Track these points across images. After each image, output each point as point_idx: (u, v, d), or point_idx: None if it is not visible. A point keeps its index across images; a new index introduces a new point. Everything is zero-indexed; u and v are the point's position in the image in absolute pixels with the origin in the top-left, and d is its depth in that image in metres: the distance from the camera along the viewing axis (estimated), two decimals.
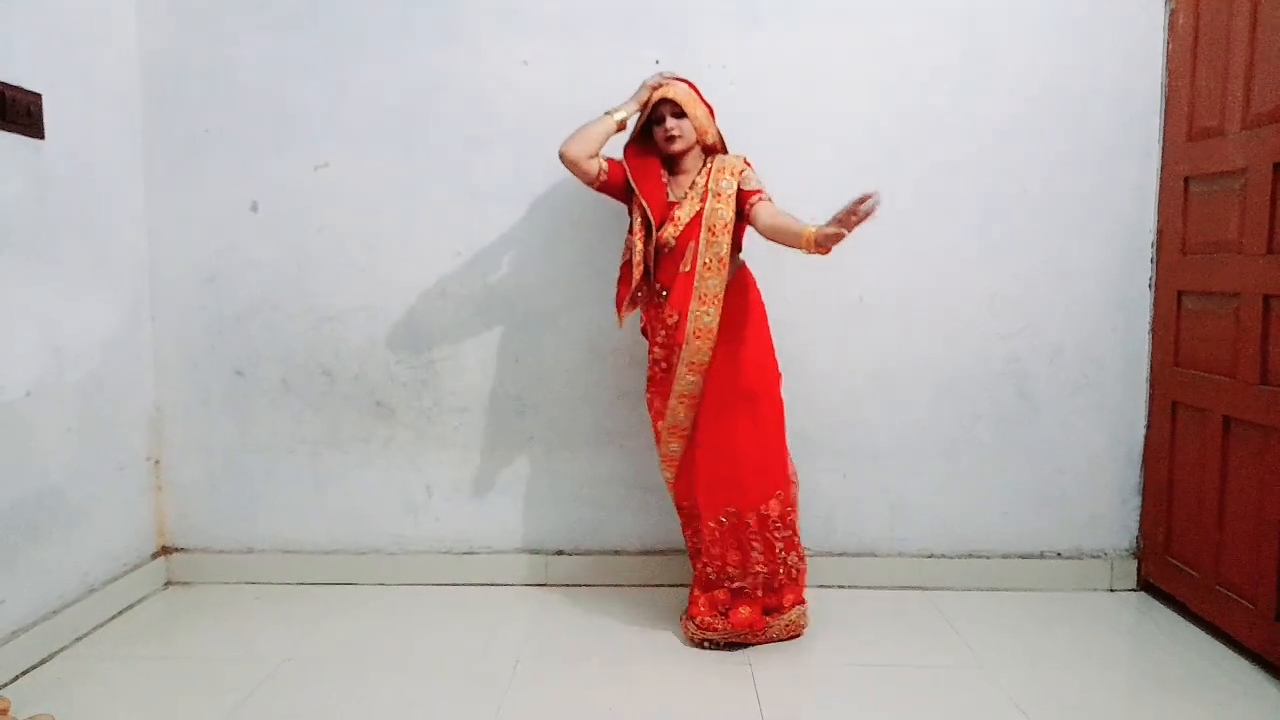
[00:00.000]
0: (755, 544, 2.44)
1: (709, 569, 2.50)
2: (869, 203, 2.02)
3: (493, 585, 2.94)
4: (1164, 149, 2.80)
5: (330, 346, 2.93)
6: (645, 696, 2.23)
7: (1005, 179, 2.84)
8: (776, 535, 2.46)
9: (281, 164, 2.88)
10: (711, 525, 2.45)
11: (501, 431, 2.95)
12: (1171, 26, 2.76)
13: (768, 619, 2.48)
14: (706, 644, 2.47)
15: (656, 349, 2.51)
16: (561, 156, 2.42)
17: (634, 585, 2.91)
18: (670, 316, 2.43)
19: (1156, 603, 2.81)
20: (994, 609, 2.76)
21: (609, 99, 2.65)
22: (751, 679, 2.31)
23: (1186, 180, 2.70)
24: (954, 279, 2.87)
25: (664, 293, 2.46)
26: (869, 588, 2.91)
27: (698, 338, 2.38)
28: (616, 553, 2.96)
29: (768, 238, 2.34)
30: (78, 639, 2.52)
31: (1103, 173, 2.84)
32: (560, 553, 2.96)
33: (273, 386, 2.94)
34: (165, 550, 2.97)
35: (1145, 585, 2.90)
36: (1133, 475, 2.92)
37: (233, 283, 2.91)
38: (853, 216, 2.05)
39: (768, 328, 2.51)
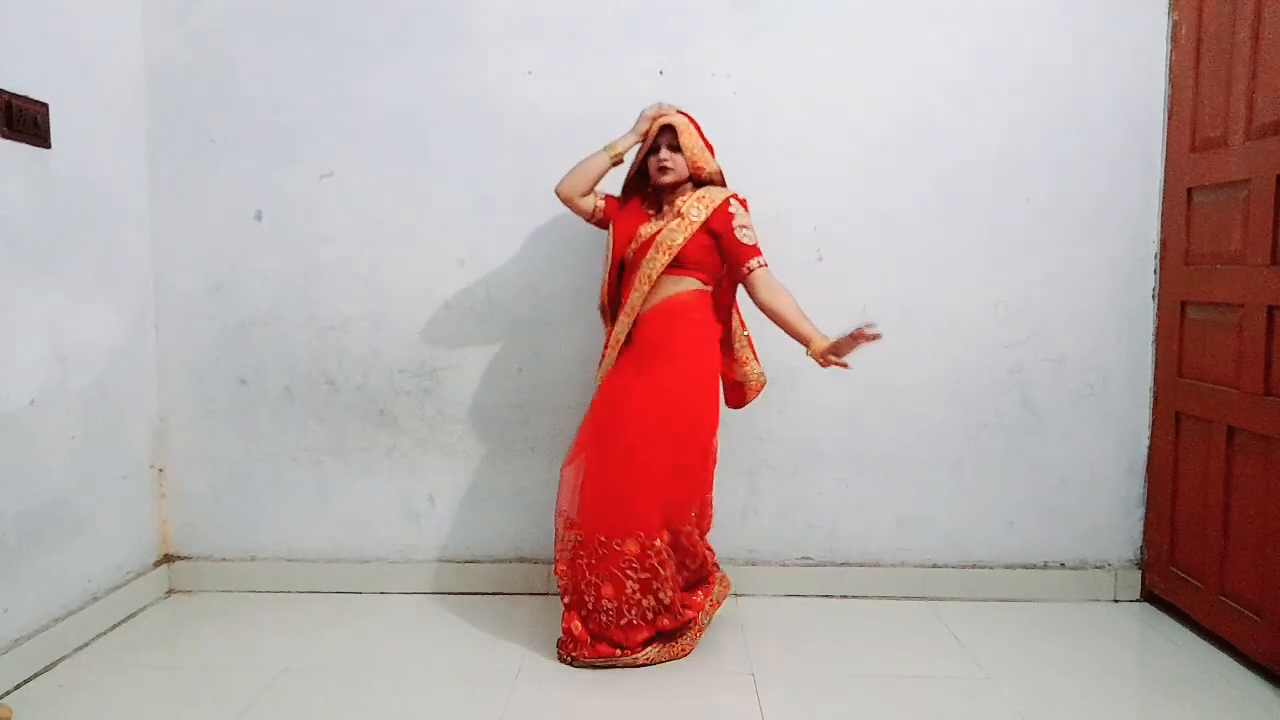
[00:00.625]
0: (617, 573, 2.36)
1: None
2: (870, 329, 2.13)
3: (495, 594, 2.93)
4: (1167, 160, 2.81)
5: (334, 356, 2.93)
6: (646, 705, 2.22)
7: (1008, 189, 2.85)
8: (631, 574, 2.36)
9: (286, 174, 2.89)
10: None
11: (504, 441, 2.95)
12: (1174, 37, 2.77)
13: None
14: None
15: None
16: (557, 194, 2.48)
17: None
18: (607, 328, 2.52)
19: (1160, 614, 2.81)
20: (998, 619, 2.75)
21: (612, 109, 2.68)
22: (754, 687, 2.30)
23: (1190, 191, 2.70)
24: (957, 288, 2.87)
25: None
26: (873, 598, 2.91)
27: (610, 348, 2.43)
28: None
29: (764, 313, 2.37)
30: (80, 647, 2.52)
31: (1106, 183, 2.84)
32: None
33: (276, 395, 2.94)
34: (168, 558, 2.97)
35: (1149, 596, 2.89)
36: (1136, 486, 2.91)
37: (237, 292, 2.92)
38: (855, 342, 2.17)
39: (702, 375, 2.43)
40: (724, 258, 2.42)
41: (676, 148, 2.39)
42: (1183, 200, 2.73)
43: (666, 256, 2.35)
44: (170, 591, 2.95)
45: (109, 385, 2.70)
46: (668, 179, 2.40)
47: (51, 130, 2.45)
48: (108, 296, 2.71)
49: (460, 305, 2.92)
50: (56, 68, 2.47)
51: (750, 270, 2.37)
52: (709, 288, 2.47)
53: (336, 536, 2.98)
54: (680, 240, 2.35)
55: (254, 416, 2.95)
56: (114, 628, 2.66)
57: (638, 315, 2.42)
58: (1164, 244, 2.82)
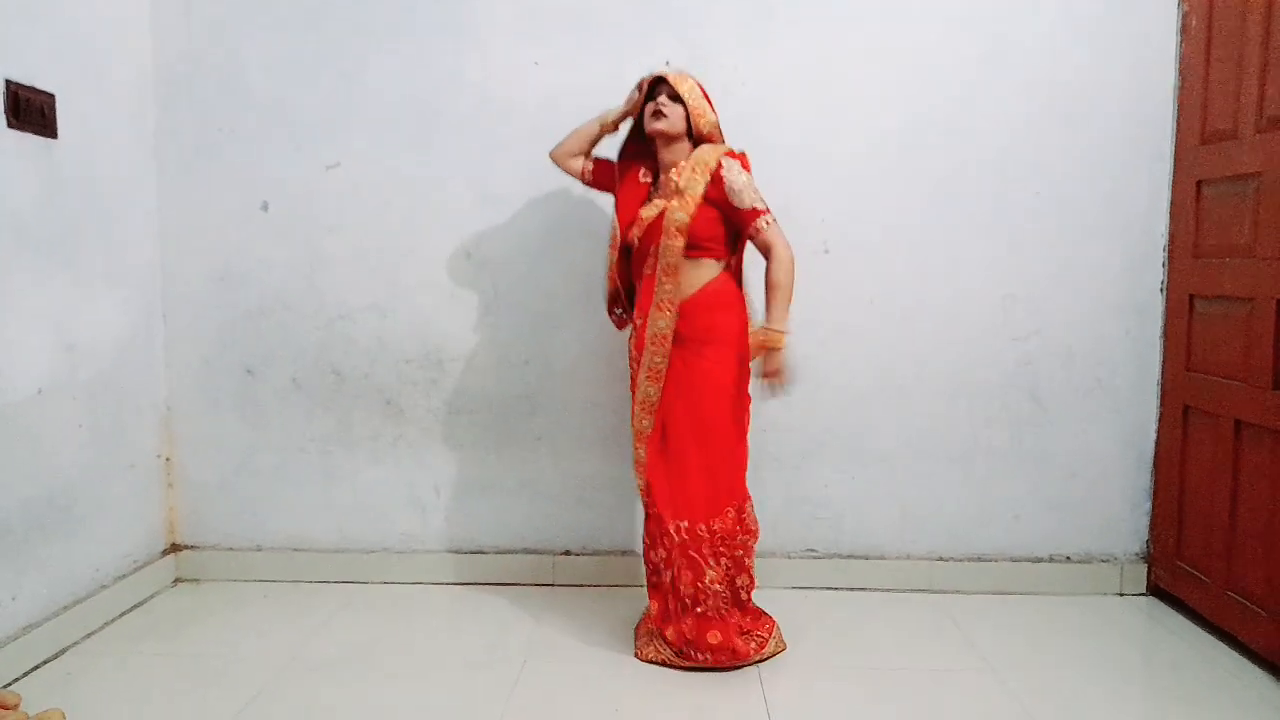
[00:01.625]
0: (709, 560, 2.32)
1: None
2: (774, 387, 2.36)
3: (500, 585, 2.94)
4: (1176, 152, 2.79)
5: (340, 346, 2.94)
6: (652, 698, 2.23)
7: (1016, 181, 2.84)
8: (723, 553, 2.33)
9: (293, 164, 2.89)
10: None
11: (510, 431, 2.95)
12: (1184, 29, 2.75)
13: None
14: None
15: (631, 351, 2.46)
16: (550, 157, 2.54)
17: (640, 586, 2.90)
18: (637, 319, 2.41)
19: (1166, 608, 2.80)
20: (1003, 613, 2.75)
21: (620, 100, 2.67)
22: (759, 680, 2.30)
23: (1199, 184, 2.68)
24: (965, 282, 2.87)
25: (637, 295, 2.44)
26: (878, 590, 2.91)
27: (653, 344, 2.33)
28: (624, 553, 2.96)
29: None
30: (87, 635, 2.53)
31: (1115, 176, 2.83)
32: (567, 553, 2.97)
33: (283, 385, 2.95)
34: (175, 548, 2.99)
35: (1155, 590, 2.89)
36: (1144, 479, 2.90)
37: (244, 282, 2.92)
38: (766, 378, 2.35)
39: (739, 350, 2.36)
40: (732, 224, 2.36)
41: (675, 97, 2.33)
42: (1192, 193, 2.71)
43: (680, 240, 2.28)
44: (177, 580, 2.97)
45: (116, 375, 2.70)
46: (660, 125, 2.32)
47: (58, 120, 2.45)
48: (115, 286, 2.71)
49: (467, 296, 2.92)
50: (64, 58, 2.48)
51: (758, 231, 2.31)
52: (726, 261, 2.42)
53: (343, 526, 2.99)
54: (686, 218, 2.28)
55: (261, 406, 2.96)
56: (121, 616, 2.68)
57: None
58: (1172, 237, 2.81)
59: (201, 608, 2.77)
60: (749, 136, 2.67)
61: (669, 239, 2.29)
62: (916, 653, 2.48)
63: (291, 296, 2.93)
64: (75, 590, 2.53)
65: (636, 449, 2.41)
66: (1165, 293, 2.84)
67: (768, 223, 2.31)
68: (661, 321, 2.33)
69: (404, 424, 2.96)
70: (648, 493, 2.39)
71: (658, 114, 2.32)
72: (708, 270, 2.36)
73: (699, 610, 2.30)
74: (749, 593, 2.39)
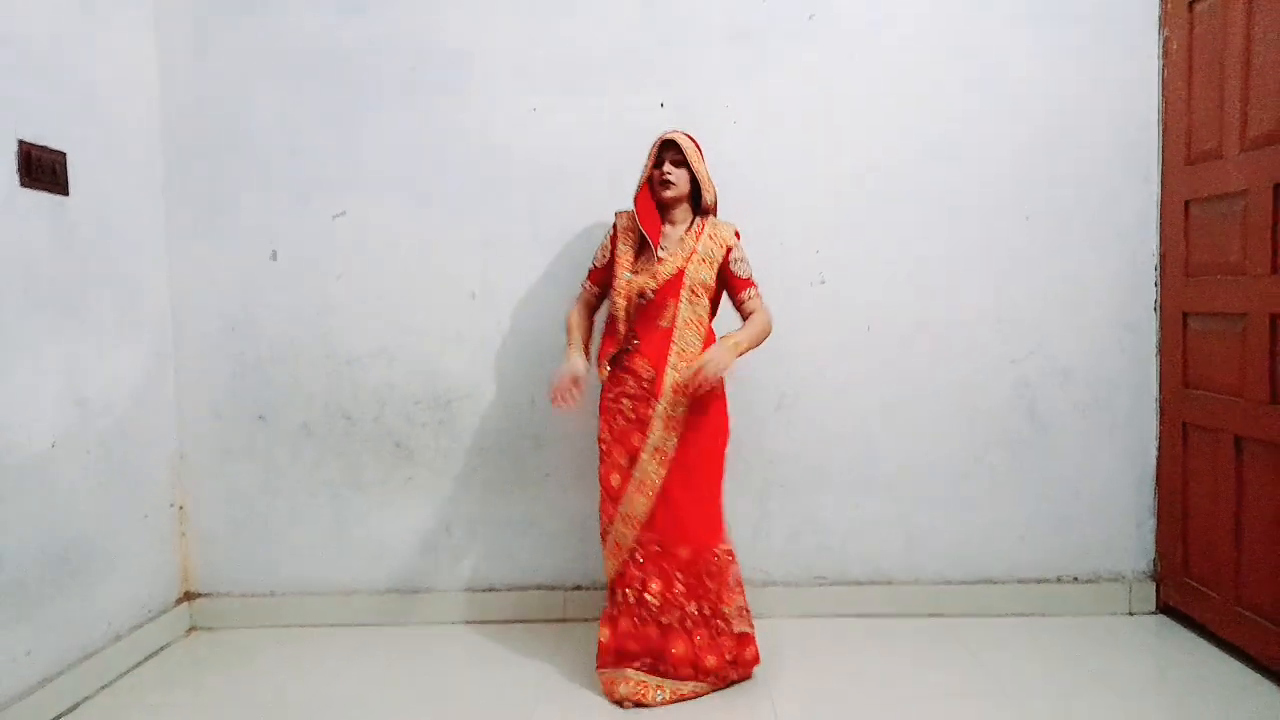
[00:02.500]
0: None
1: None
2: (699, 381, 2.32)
3: (513, 622, 2.95)
4: (1163, 173, 2.84)
5: (350, 390, 2.97)
6: None
7: (1007, 206, 2.89)
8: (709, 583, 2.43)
9: (300, 214, 2.94)
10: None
11: (518, 470, 2.98)
12: (1165, 52, 2.82)
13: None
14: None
15: (625, 400, 2.47)
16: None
17: None
18: (645, 370, 2.44)
19: (1177, 625, 2.81)
20: (1012, 635, 2.76)
21: (615, 141, 2.76)
22: (772, 707, 2.31)
23: (1187, 203, 2.73)
24: (960, 305, 2.91)
25: (635, 342, 2.47)
26: (885, 616, 2.92)
27: (676, 393, 2.40)
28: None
29: None
30: (103, 687, 2.54)
31: (1104, 197, 2.88)
32: (579, 588, 2.98)
33: (294, 431, 2.98)
34: (189, 596, 3.00)
35: (1164, 608, 2.89)
36: (1147, 497, 2.92)
37: (254, 330, 2.97)
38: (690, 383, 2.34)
39: (724, 397, 2.54)
40: (720, 284, 2.53)
41: (680, 163, 2.47)
42: (1180, 212, 2.76)
43: (706, 297, 2.48)
44: (191, 629, 2.98)
45: (129, 425, 2.74)
46: (669, 194, 2.46)
47: (69, 178, 2.50)
48: (127, 338, 2.75)
49: (473, 337, 2.96)
50: (74, 116, 2.54)
51: (746, 299, 2.50)
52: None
53: (355, 569, 3.00)
54: (711, 280, 2.47)
55: (272, 452, 2.99)
56: (136, 667, 2.68)
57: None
58: (1164, 256, 2.85)
59: (216, 656, 2.77)
60: (740, 173, 2.74)
61: (697, 296, 2.46)
62: (928, 678, 2.48)
63: (301, 343, 2.97)
64: (90, 642, 2.54)
65: (635, 502, 2.44)
66: (1159, 311, 2.88)
67: (756, 294, 2.51)
68: (682, 369, 2.41)
69: (414, 466, 2.98)
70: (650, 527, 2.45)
71: (666, 183, 2.46)
72: (705, 327, 2.50)
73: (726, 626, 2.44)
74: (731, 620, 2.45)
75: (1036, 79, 2.86)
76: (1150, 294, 2.89)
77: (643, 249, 2.51)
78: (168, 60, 2.92)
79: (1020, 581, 2.93)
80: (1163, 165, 2.85)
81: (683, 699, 2.37)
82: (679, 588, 2.40)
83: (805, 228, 2.90)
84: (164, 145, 2.94)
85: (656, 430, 2.40)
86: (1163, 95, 2.84)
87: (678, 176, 2.46)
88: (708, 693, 2.40)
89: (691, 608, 2.40)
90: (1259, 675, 2.44)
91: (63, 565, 2.44)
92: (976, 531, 2.94)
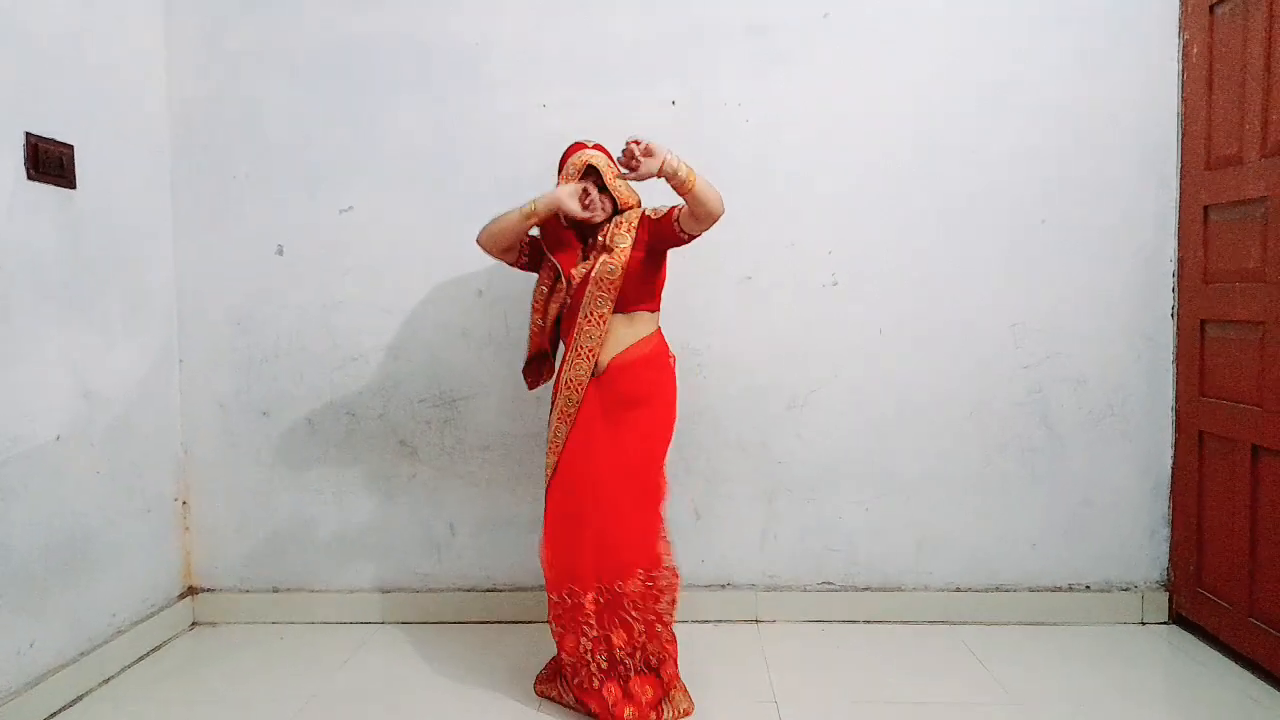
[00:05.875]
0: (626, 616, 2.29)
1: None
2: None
3: (516, 623, 2.93)
4: (1182, 178, 2.80)
5: (354, 387, 2.96)
6: None
7: (1023, 210, 2.85)
8: (631, 615, 2.29)
9: (307, 209, 2.93)
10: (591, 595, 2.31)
11: (523, 469, 2.96)
12: (1185, 56, 2.77)
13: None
14: None
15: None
16: (478, 243, 2.39)
17: None
18: (560, 367, 2.37)
19: (1189, 636, 2.77)
20: (1023, 644, 2.73)
21: (626, 139, 2.71)
22: (777, 712, 2.29)
23: (1206, 209, 2.69)
24: (975, 310, 2.87)
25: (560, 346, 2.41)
26: (895, 622, 2.89)
27: (568, 388, 2.31)
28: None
29: (696, 219, 2.22)
30: (104, 681, 2.54)
31: (1122, 202, 2.84)
32: None
33: (299, 427, 2.97)
34: (192, 591, 2.99)
35: (1177, 618, 2.86)
36: (1161, 506, 2.88)
37: (260, 325, 2.96)
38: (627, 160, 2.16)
39: (667, 414, 2.38)
40: (663, 246, 2.34)
41: (603, 187, 2.32)
42: (1199, 218, 2.72)
43: (609, 293, 2.28)
44: (194, 624, 2.97)
45: (133, 420, 2.73)
46: (597, 218, 2.32)
47: (77, 171, 2.50)
48: (133, 332, 2.75)
49: (479, 335, 2.94)
50: (82, 109, 2.53)
51: (676, 217, 2.26)
52: (657, 312, 2.41)
53: (357, 566, 2.99)
54: (619, 269, 2.27)
55: (276, 448, 2.98)
56: (138, 661, 2.68)
57: (603, 364, 2.33)
58: (1181, 262, 2.81)
59: (218, 651, 2.77)
60: (754, 173, 2.71)
61: (600, 290, 2.27)
62: (937, 687, 2.45)
63: (306, 339, 2.96)
64: (92, 636, 2.54)
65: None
66: (1176, 318, 2.84)
67: (680, 208, 2.26)
68: (580, 368, 2.30)
69: (417, 463, 2.97)
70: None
71: (589, 207, 2.30)
72: (643, 325, 2.36)
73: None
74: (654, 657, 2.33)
75: (1054, 82, 2.82)
76: (1167, 301, 2.85)
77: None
78: (176, 53, 2.91)
79: (1031, 590, 2.90)
80: (1181, 170, 2.80)
81: None
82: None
83: (818, 228, 2.87)
84: (172, 139, 2.93)
85: (551, 424, 2.37)
86: (1182, 100, 2.80)
87: (605, 204, 2.32)
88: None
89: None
90: (1272, 688, 2.40)
91: (66, 558, 2.44)
92: (988, 538, 2.91)
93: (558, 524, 2.31)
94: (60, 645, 2.41)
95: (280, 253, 2.94)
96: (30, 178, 2.32)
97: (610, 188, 2.31)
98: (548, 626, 2.89)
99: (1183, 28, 2.78)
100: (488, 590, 2.97)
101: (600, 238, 2.33)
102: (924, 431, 2.90)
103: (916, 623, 2.89)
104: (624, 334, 2.33)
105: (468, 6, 2.88)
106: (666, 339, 2.44)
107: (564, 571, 2.29)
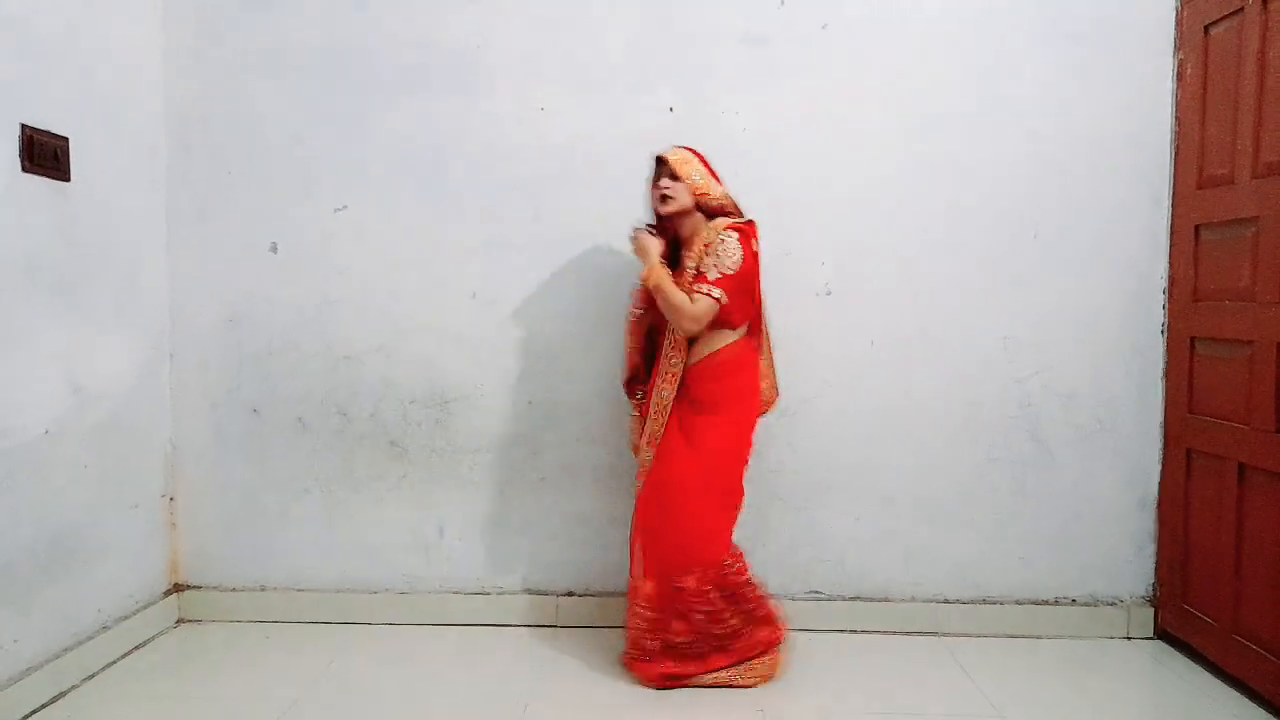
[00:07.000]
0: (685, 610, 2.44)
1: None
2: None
3: (503, 626, 2.93)
4: (1174, 197, 2.82)
5: (346, 386, 2.95)
6: None
7: (1017, 225, 2.86)
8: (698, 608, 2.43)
9: (302, 207, 2.93)
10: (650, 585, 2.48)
11: (514, 472, 2.96)
12: (1179, 75, 2.79)
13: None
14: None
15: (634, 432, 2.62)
16: (699, 323, 2.40)
17: None
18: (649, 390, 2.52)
19: (1174, 651, 2.78)
20: (1009, 656, 2.73)
21: (622, 145, 2.74)
22: None
23: (1197, 228, 2.71)
24: (966, 323, 2.88)
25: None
26: (881, 633, 2.89)
27: (656, 413, 2.43)
28: (626, 595, 2.94)
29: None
30: (89, 677, 2.52)
31: (1114, 219, 2.85)
32: (570, 594, 2.96)
33: (289, 425, 2.96)
34: (178, 588, 2.98)
35: (1162, 634, 2.87)
36: (1148, 522, 2.90)
37: (252, 323, 2.95)
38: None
39: (740, 420, 2.49)
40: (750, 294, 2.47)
41: (675, 176, 2.42)
42: (1190, 237, 2.74)
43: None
44: (180, 621, 2.96)
45: (123, 415, 2.72)
46: (669, 208, 2.43)
47: (71, 163, 2.49)
48: (124, 327, 2.73)
49: (472, 337, 2.94)
50: (77, 102, 2.52)
51: (694, 293, 2.37)
52: (742, 331, 2.48)
53: (346, 567, 2.98)
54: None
55: (266, 446, 2.97)
56: (124, 657, 2.67)
57: (685, 371, 2.45)
58: (1172, 280, 2.83)
59: (204, 649, 2.75)
60: (749, 180, 2.71)
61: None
62: (923, 698, 2.46)
63: (298, 337, 2.95)
64: (78, 631, 2.52)
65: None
66: (1166, 335, 2.85)
67: (705, 293, 2.35)
68: (665, 392, 2.44)
69: (408, 464, 2.96)
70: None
71: (664, 199, 2.42)
72: (720, 338, 2.44)
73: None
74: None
75: (1049, 98, 2.84)
76: (1157, 317, 2.87)
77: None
78: (173, 49, 2.91)
79: (1018, 602, 2.91)
80: (1174, 188, 2.82)
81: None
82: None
83: (812, 238, 2.88)
84: (167, 134, 2.92)
85: (643, 449, 2.53)
86: (1176, 118, 2.82)
87: (675, 189, 2.42)
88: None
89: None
90: (1255, 705, 2.41)
91: (52, 554, 2.43)
92: (975, 550, 2.92)
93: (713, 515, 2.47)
94: (45, 641, 2.40)
95: (274, 250, 2.93)
96: (25, 169, 2.31)
97: (682, 176, 2.41)
98: (536, 630, 2.91)
99: (1178, 47, 2.80)
100: (475, 593, 2.97)
101: (688, 261, 2.44)
102: (914, 442, 2.91)
103: (903, 633, 2.89)
104: (703, 344, 2.44)
105: (466, 8, 2.88)
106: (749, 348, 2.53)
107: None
